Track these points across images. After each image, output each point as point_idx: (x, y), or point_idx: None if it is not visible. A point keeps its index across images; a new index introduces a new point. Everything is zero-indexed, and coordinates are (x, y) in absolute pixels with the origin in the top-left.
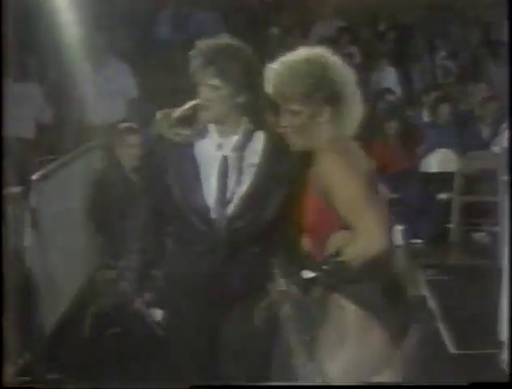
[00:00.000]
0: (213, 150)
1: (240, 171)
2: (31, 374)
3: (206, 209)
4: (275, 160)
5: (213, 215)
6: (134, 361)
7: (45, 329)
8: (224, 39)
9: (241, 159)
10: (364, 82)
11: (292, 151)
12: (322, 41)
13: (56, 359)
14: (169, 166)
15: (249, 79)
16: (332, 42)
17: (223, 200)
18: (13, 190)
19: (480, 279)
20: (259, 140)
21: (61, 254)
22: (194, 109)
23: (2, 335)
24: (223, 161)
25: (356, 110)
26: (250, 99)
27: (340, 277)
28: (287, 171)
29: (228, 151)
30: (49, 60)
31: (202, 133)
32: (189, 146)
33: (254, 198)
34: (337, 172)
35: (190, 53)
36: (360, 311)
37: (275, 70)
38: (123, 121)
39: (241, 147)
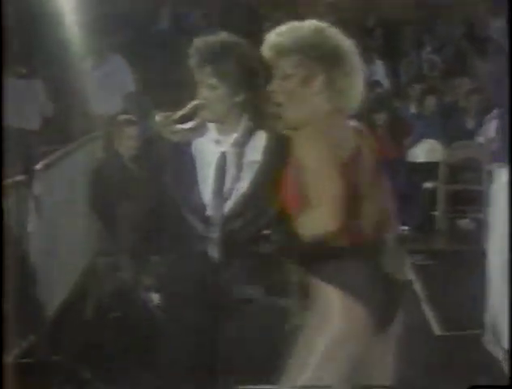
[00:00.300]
0: (211, 146)
1: (239, 167)
2: (34, 356)
3: (203, 207)
4: (277, 158)
5: (209, 212)
6: (134, 344)
7: (48, 313)
8: (221, 36)
9: (240, 155)
10: None
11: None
12: None
13: (59, 342)
14: (166, 163)
15: (247, 77)
16: None
17: (219, 197)
18: (17, 178)
19: (465, 264)
20: (261, 138)
21: (63, 241)
22: (194, 109)
23: (3, 322)
24: (221, 157)
25: (354, 82)
26: (250, 97)
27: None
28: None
29: (226, 146)
30: (52, 57)
31: (201, 130)
32: (187, 143)
33: (255, 197)
34: (309, 147)
35: (188, 51)
36: (345, 295)
37: (275, 31)
38: (122, 113)
39: (241, 144)
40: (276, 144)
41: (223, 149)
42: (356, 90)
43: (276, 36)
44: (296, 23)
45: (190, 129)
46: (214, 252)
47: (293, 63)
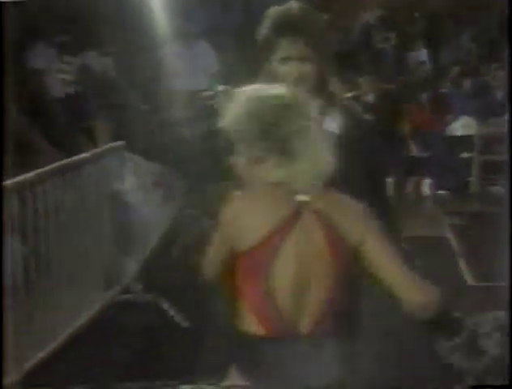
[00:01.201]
0: None
1: None
2: (130, 293)
3: None
4: (353, 135)
5: None
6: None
7: (142, 257)
8: (296, 4)
9: None
10: (401, 60)
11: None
12: (366, 26)
13: (151, 282)
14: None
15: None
16: (374, 28)
17: None
18: (118, 143)
19: (494, 224)
20: (334, 117)
21: (154, 196)
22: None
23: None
24: None
25: (310, 164)
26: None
27: None
28: (366, 147)
29: None
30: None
31: None
32: None
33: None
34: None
35: (261, 26)
36: None
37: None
38: (205, 90)
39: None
40: (351, 120)
41: None
42: (310, 169)
43: (232, 109)
44: (256, 95)
45: None
46: None
47: (243, 145)
